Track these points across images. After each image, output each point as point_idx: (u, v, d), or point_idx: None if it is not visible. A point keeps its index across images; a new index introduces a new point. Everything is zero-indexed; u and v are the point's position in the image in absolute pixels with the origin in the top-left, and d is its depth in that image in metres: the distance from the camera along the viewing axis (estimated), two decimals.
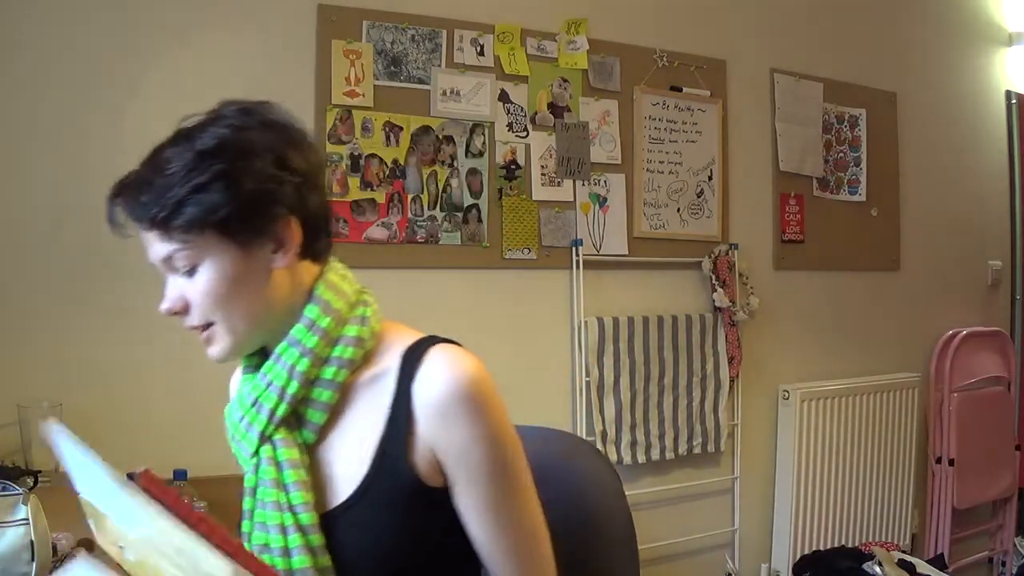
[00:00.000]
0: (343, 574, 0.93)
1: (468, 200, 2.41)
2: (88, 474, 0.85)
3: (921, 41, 3.40)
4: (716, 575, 2.88)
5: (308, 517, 0.92)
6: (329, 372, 0.96)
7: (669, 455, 2.69)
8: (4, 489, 1.20)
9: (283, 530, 0.92)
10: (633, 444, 2.62)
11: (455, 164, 2.39)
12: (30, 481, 1.62)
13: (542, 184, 2.52)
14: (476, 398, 0.92)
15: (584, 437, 2.49)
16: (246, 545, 0.95)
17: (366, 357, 0.98)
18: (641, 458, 2.63)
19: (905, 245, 3.32)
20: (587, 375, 2.56)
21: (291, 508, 0.93)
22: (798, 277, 3.05)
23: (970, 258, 3.56)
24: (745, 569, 2.92)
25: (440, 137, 2.37)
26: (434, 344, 0.96)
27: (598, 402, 2.57)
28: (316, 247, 1.00)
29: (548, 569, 0.98)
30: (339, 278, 1.01)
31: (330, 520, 0.94)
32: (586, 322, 2.55)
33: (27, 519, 1.17)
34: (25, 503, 1.19)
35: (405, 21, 2.33)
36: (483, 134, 2.43)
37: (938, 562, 3.06)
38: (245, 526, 0.98)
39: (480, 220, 2.43)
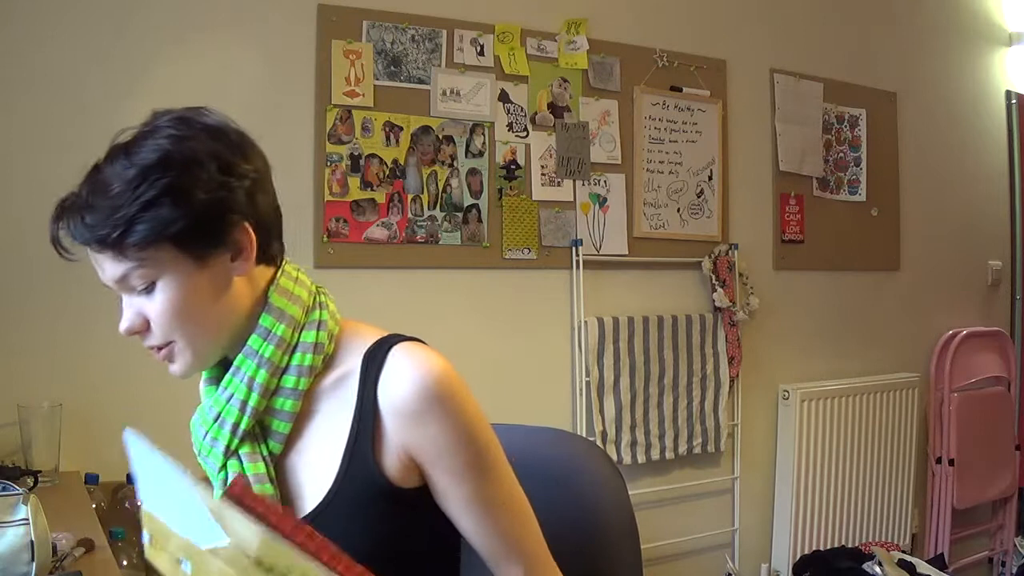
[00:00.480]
0: None
1: (468, 200, 2.41)
2: (158, 483, 0.80)
3: (921, 41, 3.40)
4: (716, 575, 2.88)
5: None
6: (290, 381, 0.94)
7: (669, 455, 2.69)
8: (4, 489, 1.19)
9: None
10: (633, 444, 2.62)
11: (455, 164, 2.39)
12: (30, 481, 1.63)
13: (542, 184, 2.52)
14: (444, 396, 0.91)
15: (584, 437, 2.49)
16: None
17: (327, 360, 0.97)
18: (641, 458, 2.63)
19: (905, 245, 3.32)
20: (587, 375, 2.55)
21: None
22: (798, 277, 3.04)
23: (970, 258, 3.56)
24: (745, 569, 2.92)
25: (440, 137, 2.37)
26: (395, 343, 0.95)
27: (598, 402, 2.57)
28: (270, 251, 0.97)
29: (540, 546, 0.98)
30: (292, 283, 0.98)
31: None
32: (586, 322, 2.55)
33: (27, 519, 1.17)
34: (25, 503, 1.18)
35: (405, 21, 2.33)
36: (483, 134, 2.43)
37: (938, 562, 3.06)
38: None
39: (480, 220, 2.43)
